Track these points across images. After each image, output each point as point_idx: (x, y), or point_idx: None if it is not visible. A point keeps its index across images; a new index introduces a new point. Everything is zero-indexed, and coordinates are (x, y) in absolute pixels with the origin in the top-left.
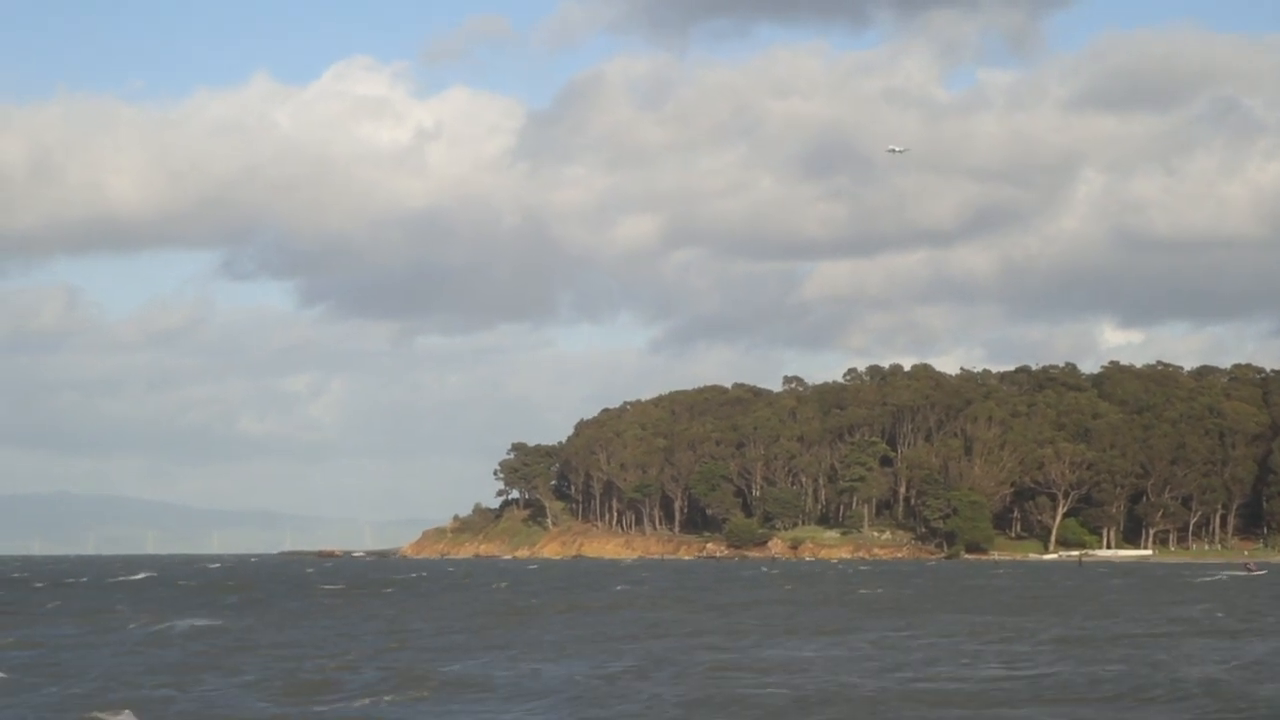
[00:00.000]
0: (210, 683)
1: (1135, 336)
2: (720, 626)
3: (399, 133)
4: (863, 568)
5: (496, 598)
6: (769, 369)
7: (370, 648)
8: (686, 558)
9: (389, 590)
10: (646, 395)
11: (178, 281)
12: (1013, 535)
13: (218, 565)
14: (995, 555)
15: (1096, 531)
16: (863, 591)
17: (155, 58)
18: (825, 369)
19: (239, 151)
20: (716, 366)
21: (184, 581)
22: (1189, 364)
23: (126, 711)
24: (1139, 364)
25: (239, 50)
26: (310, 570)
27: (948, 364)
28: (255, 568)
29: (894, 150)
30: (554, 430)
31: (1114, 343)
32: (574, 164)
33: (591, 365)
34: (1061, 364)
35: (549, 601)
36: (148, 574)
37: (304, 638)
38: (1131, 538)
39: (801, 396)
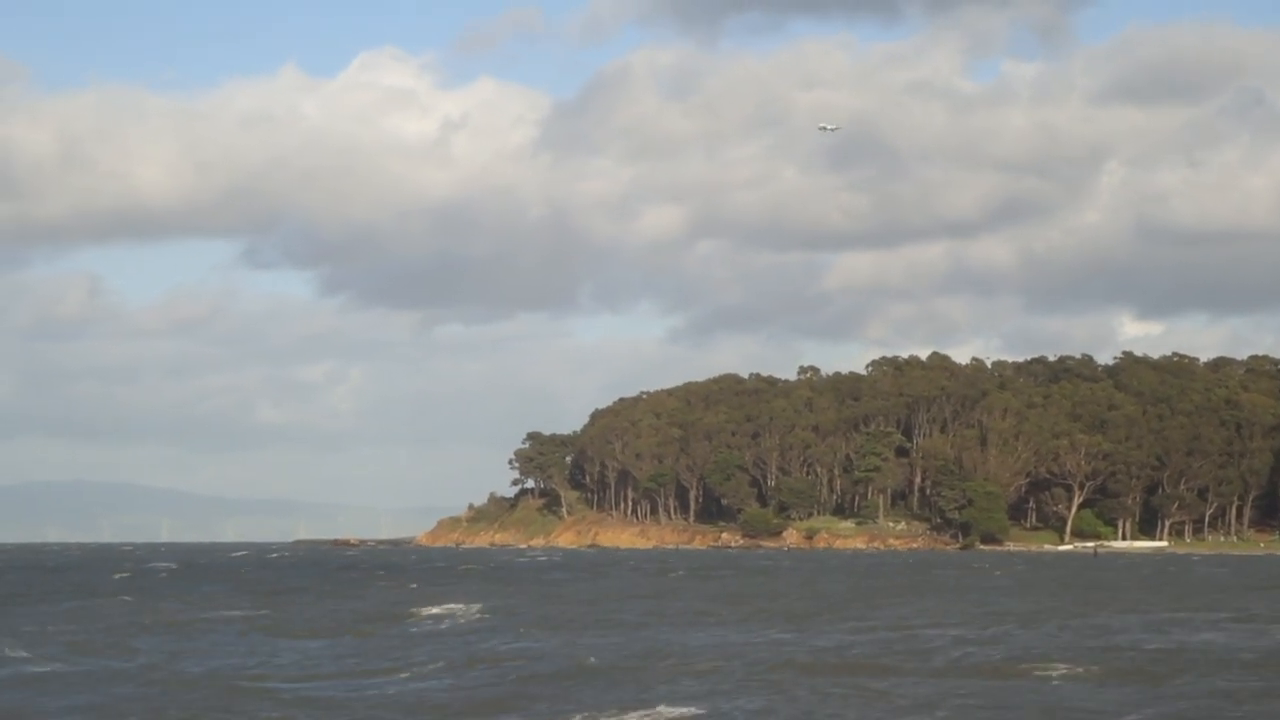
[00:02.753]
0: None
1: (1154, 328)
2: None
3: (425, 124)
4: (867, 559)
5: (667, 582)
6: (788, 360)
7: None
8: (701, 547)
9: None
10: (664, 385)
11: (201, 271)
12: (1028, 526)
13: (244, 553)
14: (1010, 546)
15: (1112, 523)
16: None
17: (186, 48)
18: (844, 360)
19: (266, 142)
20: (735, 357)
21: (340, 570)
22: (1207, 356)
23: None
24: (1157, 356)
25: (269, 41)
26: (413, 558)
27: (966, 355)
28: (322, 555)
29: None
30: (571, 420)
31: (1132, 334)
32: (599, 155)
33: (609, 355)
34: (1078, 355)
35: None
36: (245, 553)
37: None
38: (1147, 529)
39: (817, 386)
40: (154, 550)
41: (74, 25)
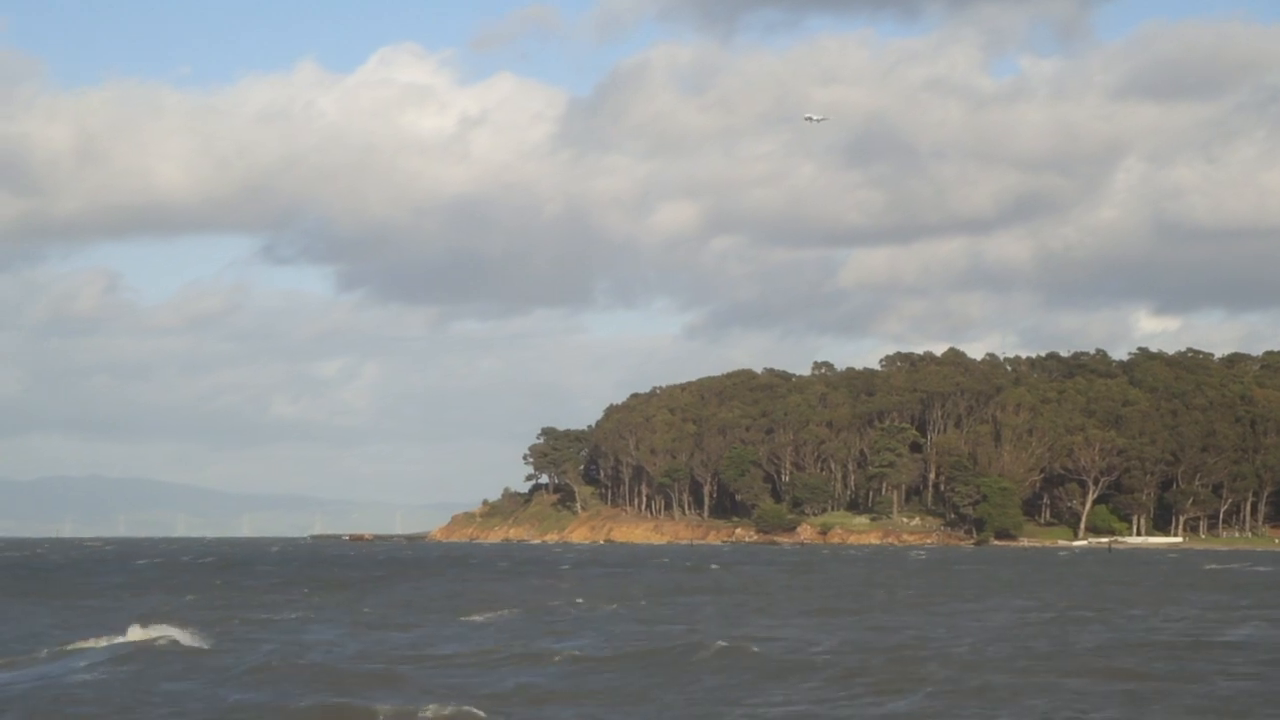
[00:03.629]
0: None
1: (1170, 324)
2: None
3: (443, 120)
4: (874, 557)
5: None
6: (803, 356)
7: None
8: (715, 543)
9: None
10: (679, 382)
11: (217, 267)
12: (1042, 522)
13: (277, 549)
14: (1024, 542)
15: (1126, 519)
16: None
17: (204, 45)
18: (860, 356)
19: (283, 138)
20: (750, 353)
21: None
22: (1223, 352)
23: None
24: (1172, 352)
25: (287, 38)
26: (471, 559)
27: (981, 351)
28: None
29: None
30: (585, 416)
31: (1149, 330)
32: (615, 151)
33: (624, 351)
34: (1092, 351)
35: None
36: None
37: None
38: (1162, 525)
39: (831, 382)
40: (188, 545)
41: (91, 22)
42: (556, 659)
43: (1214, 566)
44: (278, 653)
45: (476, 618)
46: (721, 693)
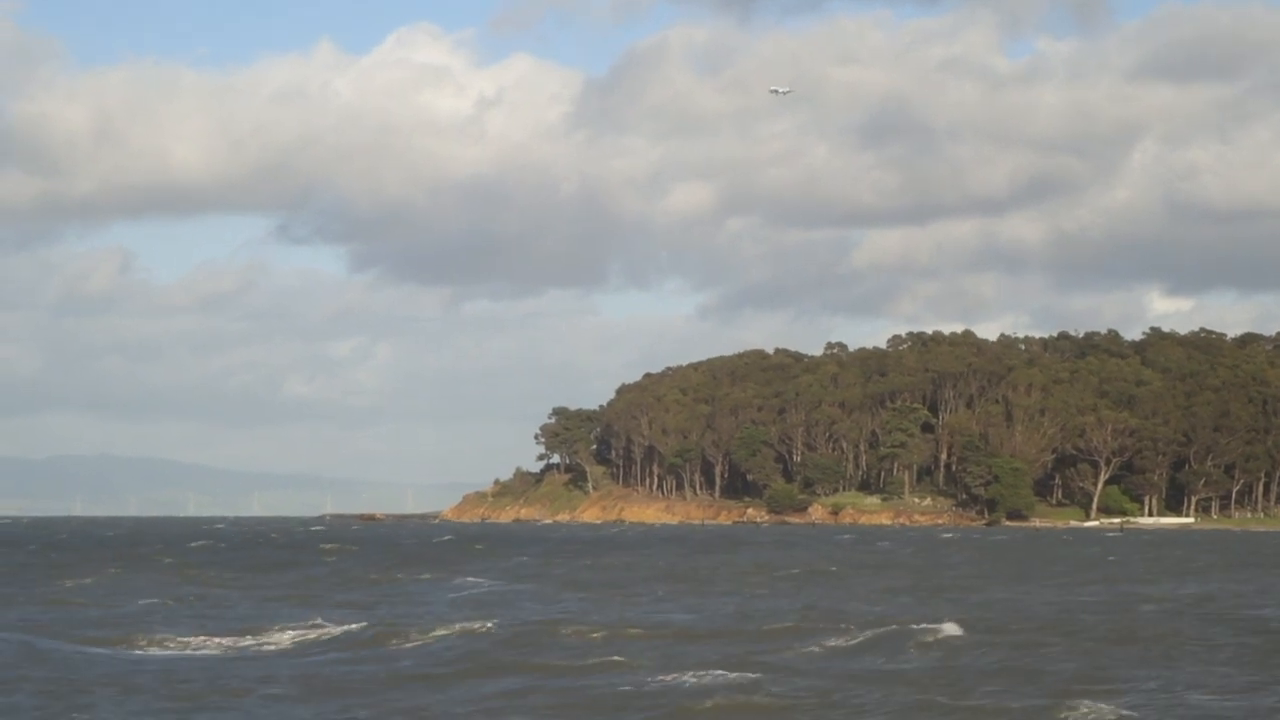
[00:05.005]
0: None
1: (1183, 304)
2: None
3: (460, 101)
4: (880, 542)
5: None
6: (816, 336)
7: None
8: (726, 523)
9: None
10: (691, 362)
11: (231, 247)
12: (1054, 502)
13: (321, 528)
14: (1036, 522)
15: (1138, 499)
16: None
17: (221, 24)
18: (873, 336)
19: (300, 119)
20: (763, 334)
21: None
22: (1236, 332)
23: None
24: (1185, 332)
25: (304, 18)
26: (499, 531)
27: (995, 332)
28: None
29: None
30: (597, 396)
31: (1161, 311)
32: (631, 132)
33: (637, 331)
34: (1104, 331)
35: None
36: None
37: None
38: (1174, 505)
39: (843, 362)
40: (215, 525)
41: (110, 2)
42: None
43: None
44: None
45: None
46: None
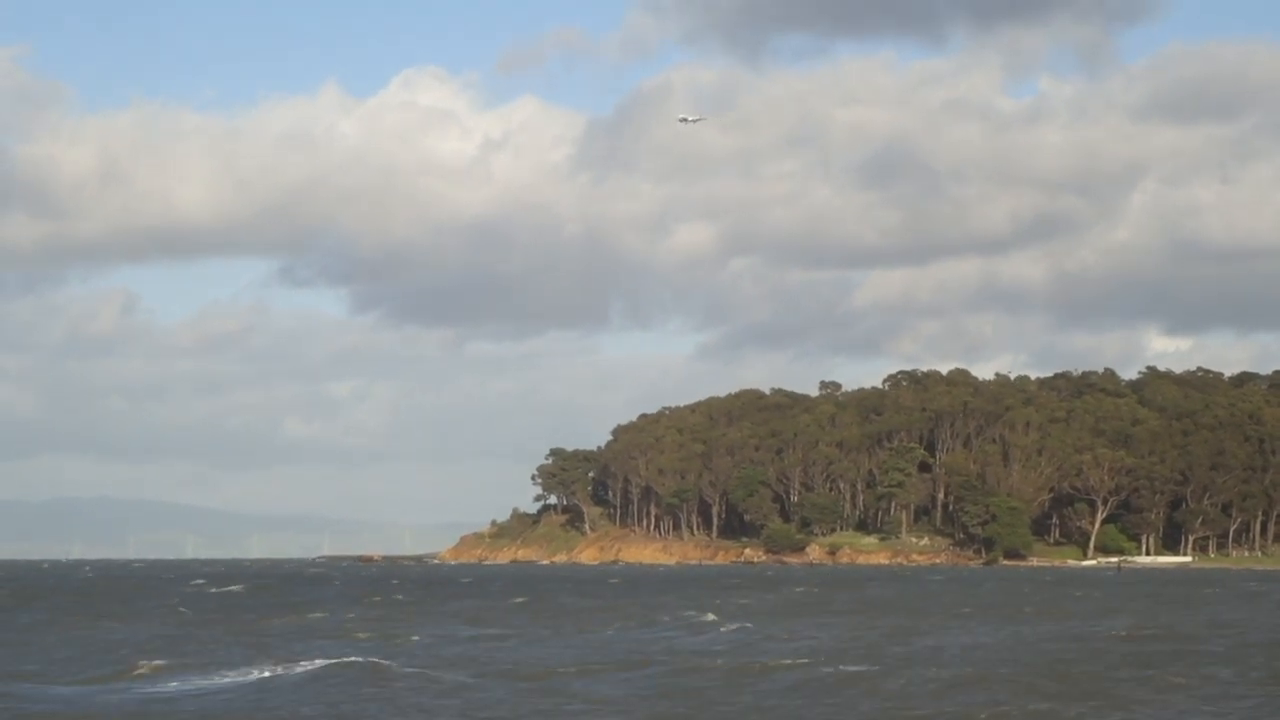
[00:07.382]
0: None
1: (1182, 344)
2: None
3: (465, 144)
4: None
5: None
6: (816, 376)
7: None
8: (724, 563)
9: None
10: (691, 402)
11: (234, 288)
12: (1051, 541)
13: (320, 569)
14: (1034, 562)
15: (1135, 538)
16: None
17: (226, 67)
18: (873, 376)
19: (305, 161)
20: (762, 373)
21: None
22: (1234, 372)
23: None
24: (1181, 371)
25: (309, 60)
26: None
27: (992, 371)
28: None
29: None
30: (596, 436)
31: (1160, 350)
32: (634, 172)
33: (637, 372)
34: (1100, 370)
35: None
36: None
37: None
38: (1171, 544)
39: (840, 402)
40: (232, 569)
41: (117, 46)
42: None
43: None
44: None
45: None
46: None
